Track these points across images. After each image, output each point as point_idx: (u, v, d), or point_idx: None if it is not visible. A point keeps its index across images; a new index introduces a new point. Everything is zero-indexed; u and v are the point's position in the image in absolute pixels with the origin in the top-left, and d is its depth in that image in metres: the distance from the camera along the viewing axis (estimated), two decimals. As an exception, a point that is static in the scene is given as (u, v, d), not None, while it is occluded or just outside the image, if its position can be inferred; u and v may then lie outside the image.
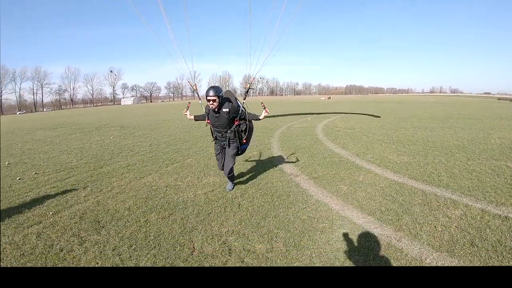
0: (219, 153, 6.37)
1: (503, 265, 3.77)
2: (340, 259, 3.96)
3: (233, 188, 6.62)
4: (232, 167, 6.23)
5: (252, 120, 6.23)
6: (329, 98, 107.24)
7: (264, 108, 5.85)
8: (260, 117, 5.91)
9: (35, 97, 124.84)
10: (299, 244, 4.34)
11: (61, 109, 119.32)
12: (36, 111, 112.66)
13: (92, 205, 6.17)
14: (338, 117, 24.77)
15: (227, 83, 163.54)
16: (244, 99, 6.08)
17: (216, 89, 5.58)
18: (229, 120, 5.85)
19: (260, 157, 10.06)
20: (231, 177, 6.48)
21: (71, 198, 6.59)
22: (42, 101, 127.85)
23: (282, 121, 21.58)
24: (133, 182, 7.74)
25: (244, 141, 6.14)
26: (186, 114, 6.45)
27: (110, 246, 4.57)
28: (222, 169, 6.47)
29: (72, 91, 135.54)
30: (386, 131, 14.99)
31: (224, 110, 5.73)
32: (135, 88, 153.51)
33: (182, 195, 6.51)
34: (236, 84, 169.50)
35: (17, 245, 4.67)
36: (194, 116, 6.40)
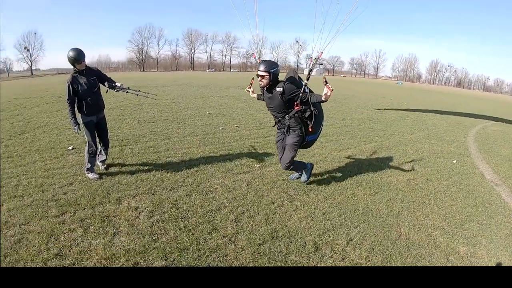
0: (279, 140, 5.79)
1: None
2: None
3: (307, 180, 5.92)
4: (291, 160, 5.53)
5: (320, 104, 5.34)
6: None
7: (326, 84, 4.72)
8: (322, 98, 4.86)
9: (223, 58, 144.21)
10: (500, 257, 4.39)
11: (247, 71, 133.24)
12: (223, 70, 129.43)
13: (297, 167, 6.61)
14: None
15: (413, 67, 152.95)
16: (307, 79, 5.25)
17: (267, 64, 5.18)
18: (284, 103, 5.23)
19: (458, 155, 9.49)
20: (296, 166, 5.71)
21: (276, 156, 7.23)
22: (230, 62, 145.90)
23: (476, 120, 18.97)
24: (333, 152, 8.17)
25: (310, 129, 5.37)
26: (248, 91, 6.10)
27: (320, 210, 4.98)
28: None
29: (258, 56, 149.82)
30: None
31: (277, 89, 5.18)
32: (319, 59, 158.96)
33: (384, 176, 6.73)
34: (422, 69, 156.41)
35: (229, 189, 5.46)
36: (257, 94, 6.02)
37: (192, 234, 4.07)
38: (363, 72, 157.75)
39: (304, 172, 5.92)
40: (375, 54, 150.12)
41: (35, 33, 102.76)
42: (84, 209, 4.61)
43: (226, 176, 5.94)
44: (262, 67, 5.15)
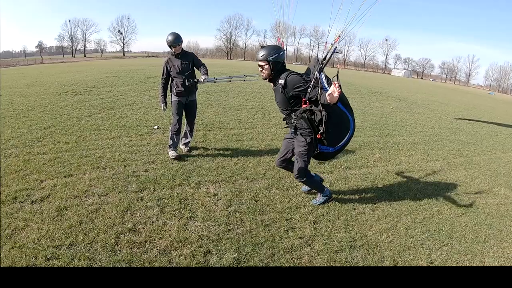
0: (287, 138, 4.84)
1: None
2: None
3: (322, 202, 4.84)
4: (300, 171, 4.53)
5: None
6: None
7: (334, 81, 3.76)
8: (327, 98, 3.74)
9: (310, 52, 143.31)
10: None
11: (333, 67, 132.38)
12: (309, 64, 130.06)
13: (381, 173, 6.39)
14: None
15: (507, 77, 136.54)
16: (320, 70, 4.25)
17: (266, 50, 4.18)
18: (288, 98, 4.27)
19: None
20: (307, 182, 4.74)
21: (361, 158, 7.08)
22: (317, 56, 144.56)
23: None
24: (420, 162, 7.66)
25: (319, 136, 4.25)
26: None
27: (402, 224, 4.64)
28: (279, 163, 4.85)
29: (345, 53, 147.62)
30: None
31: (280, 81, 4.23)
32: (407, 61, 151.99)
33: (473, 196, 6.07)
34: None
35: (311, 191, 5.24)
36: None
37: (269, 230, 4.03)
38: (453, 78, 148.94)
39: (319, 196, 4.89)
40: (468, 60, 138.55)
41: (129, 18, 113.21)
42: (163, 188, 4.78)
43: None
44: (259, 55, 4.24)
